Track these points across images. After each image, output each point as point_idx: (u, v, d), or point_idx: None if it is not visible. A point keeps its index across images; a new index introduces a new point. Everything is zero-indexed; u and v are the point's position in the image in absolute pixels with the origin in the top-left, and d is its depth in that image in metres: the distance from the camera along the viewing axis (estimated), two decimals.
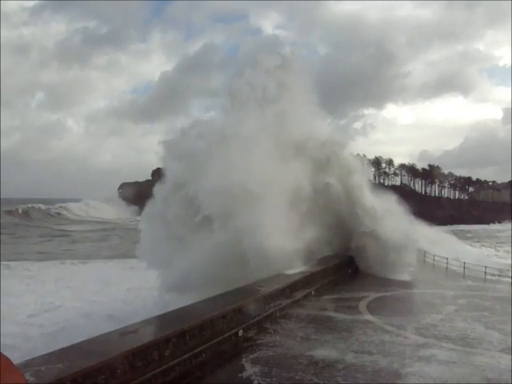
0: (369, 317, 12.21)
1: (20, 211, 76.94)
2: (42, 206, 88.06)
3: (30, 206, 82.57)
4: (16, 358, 6.39)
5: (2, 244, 44.76)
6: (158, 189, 20.56)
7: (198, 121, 23.45)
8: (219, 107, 24.20)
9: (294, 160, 18.57)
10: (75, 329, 13.21)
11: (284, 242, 14.18)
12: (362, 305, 13.74)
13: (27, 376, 5.51)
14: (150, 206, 21.05)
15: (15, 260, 32.59)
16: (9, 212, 74.32)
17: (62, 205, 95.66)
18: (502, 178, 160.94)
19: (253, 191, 15.02)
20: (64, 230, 66.59)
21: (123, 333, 8.09)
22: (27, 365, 6.01)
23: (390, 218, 20.43)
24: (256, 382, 7.53)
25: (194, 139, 19.46)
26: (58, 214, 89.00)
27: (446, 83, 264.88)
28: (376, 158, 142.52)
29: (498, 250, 49.71)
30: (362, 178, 22.33)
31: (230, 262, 13.77)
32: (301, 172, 18.47)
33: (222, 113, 22.68)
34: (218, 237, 15.05)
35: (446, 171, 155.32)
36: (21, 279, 24.82)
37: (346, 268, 19.31)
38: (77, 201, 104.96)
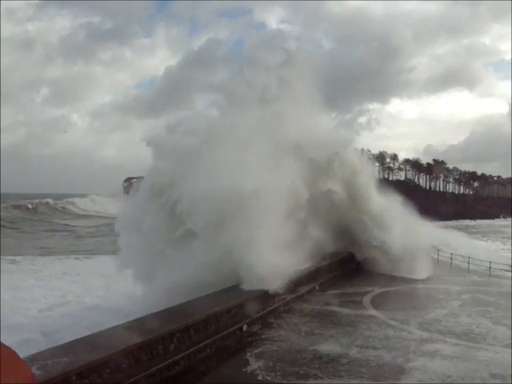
0: (373, 312, 12.23)
1: (30, 206, 77.25)
2: (50, 201, 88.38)
3: (37, 201, 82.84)
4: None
5: (9, 238, 45.18)
6: (133, 192, 18.28)
7: (186, 117, 20.05)
8: (215, 105, 21.09)
9: (293, 163, 16.80)
10: (88, 323, 13.08)
11: (282, 258, 12.40)
12: (366, 300, 13.76)
13: (34, 370, 5.55)
14: (124, 213, 18.82)
15: (20, 255, 32.76)
16: (16, 206, 74.68)
17: (68, 200, 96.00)
18: (507, 173, 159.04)
19: (245, 198, 13.25)
20: (69, 225, 66.87)
21: (128, 327, 8.15)
22: (33, 358, 6.07)
23: (399, 225, 19.46)
24: (260, 376, 7.57)
25: (181, 137, 17.41)
26: (64, 208, 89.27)
27: (452, 78, 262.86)
28: (380, 152, 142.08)
29: (505, 244, 49.61)
30: (368, 179, 21.22)
31: (216, 284, 11.93)
32: (300, 176, 16.80)
33: (216, 111, 20.08)
34: (203, 257, 13.21)
35: (450, 166, 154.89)
36: (28, 273, 24.94)
37: (350, 263, 19.31)
38: (83, 196, 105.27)
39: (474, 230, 74.85)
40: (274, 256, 12.15)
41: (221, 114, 18.83)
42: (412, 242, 18.93)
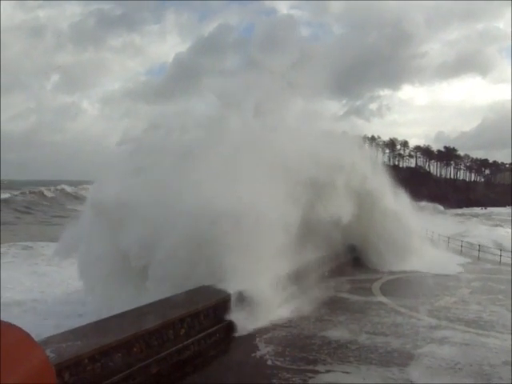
0: (382, 298, 12.27)
1: (48, 195, 78.17)
2: (66, 188, 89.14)
3: (53, 187, 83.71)
4: None
5: (22, 224, 45.84)
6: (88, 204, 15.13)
7: (169, 113, 16.79)
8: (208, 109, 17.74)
9: (290, 183, 13.49)
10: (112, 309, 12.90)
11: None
12: (376, 286, 13.80)
13: (48, 352, 5.65)
14: (68, 232, 16.09)
15: (31, 240, 33.12)
16: (33, 192, 75.72)
17: (81, 186, 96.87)
18: None
19: (234, 224, 10.47)
20: (80, 211, 67.55)
21: (139, 312, 8.24)
22: (48, 342, 6.17)
23: (419, 245, 18.48)
24: (269, 361, 7.64)
25: (164, 137, 14.86)
26: (76, 193, 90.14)
27: (464, 63, 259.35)
28: (391, 139, 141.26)
29: None
30: (382, 185, 18.96)
31: None
32: (294, 198, 13.09)
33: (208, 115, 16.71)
34: None
35: (462, 153, 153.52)
36: (42, 259, 25.17)
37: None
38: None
39: (483, 217, 74.08)
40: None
41: (211, 119, 15.91)
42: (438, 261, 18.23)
